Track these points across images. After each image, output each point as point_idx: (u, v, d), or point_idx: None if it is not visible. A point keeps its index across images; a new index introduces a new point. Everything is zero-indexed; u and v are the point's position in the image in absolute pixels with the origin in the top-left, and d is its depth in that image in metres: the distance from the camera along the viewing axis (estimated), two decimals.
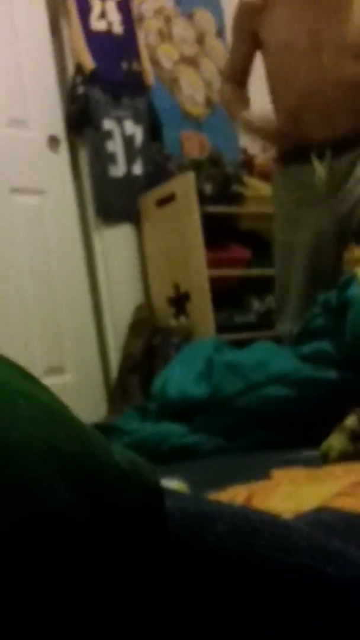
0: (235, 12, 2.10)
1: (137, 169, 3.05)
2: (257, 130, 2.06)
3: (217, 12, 3.61)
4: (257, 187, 3.06)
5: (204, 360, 1.70)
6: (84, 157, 2.95)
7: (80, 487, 0.34)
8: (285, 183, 2.05)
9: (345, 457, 1.28)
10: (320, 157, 1.93)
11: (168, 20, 3.41)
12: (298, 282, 1.97)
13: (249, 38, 2.04)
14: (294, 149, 1.99)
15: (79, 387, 2.67)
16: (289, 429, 1.53)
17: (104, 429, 1.75)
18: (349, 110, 1.91)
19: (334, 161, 1.93)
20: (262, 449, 1.50)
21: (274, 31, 1.98)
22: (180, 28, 3.46)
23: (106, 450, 0.36)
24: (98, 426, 1.66)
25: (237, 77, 2.15)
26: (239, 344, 1.88)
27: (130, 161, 3.03)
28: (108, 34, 3.01)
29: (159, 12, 3.38)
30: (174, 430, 1.63)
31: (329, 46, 1.91)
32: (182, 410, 1.66)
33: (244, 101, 2.13)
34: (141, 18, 3.26)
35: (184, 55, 3.44)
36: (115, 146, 2.98)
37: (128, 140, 3.03)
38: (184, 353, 1.86)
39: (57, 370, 2.64)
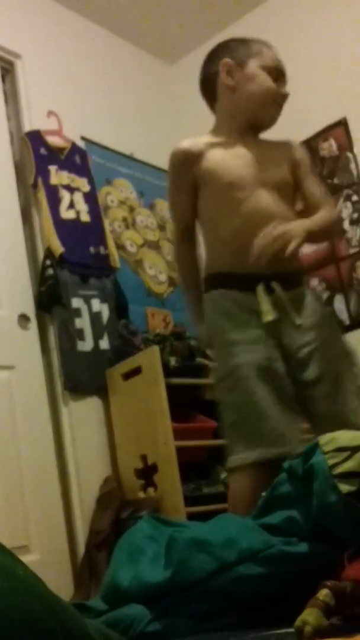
0: (171, 163, 2.00)
1: (104, 343, 3.14)
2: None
3: None
4: None
5: (150, 542, 1.60)
6: (52, 333, 3.04)
7: None
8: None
9: (320, 632, 1.25)
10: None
11: (132, 209, 3.68)
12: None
13: (190, 187, 1.98)
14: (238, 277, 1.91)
15: (44, 567, 2.56)
16: (263, 608, 1.48)
17: (76, 606, 1.68)
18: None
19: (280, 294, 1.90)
20: (234, 629, 1.45)
21: (215, 174, 1.94)
22: (143, 216, 3.72)
23: (79, 623, 0.38)
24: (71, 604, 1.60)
25: (191, 232, 2.05)
26: (208, 516, 1.84)
27: (97, 337, 3.12)
28: (76, 221, 3.23)
29: (123, 202, 3.65)
30: (142, 614, 1.54)
31: (265, 184, 1.93)
32: (140, 600, 1.55)
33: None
34: (107, 208, 3.51)
35: (147, 240, 3.68)
36: (83, 323, 3.09)
37: (95, 317, 3.14)
38: (122, 544, 1.71)
39: (22, 549, 2.55)
